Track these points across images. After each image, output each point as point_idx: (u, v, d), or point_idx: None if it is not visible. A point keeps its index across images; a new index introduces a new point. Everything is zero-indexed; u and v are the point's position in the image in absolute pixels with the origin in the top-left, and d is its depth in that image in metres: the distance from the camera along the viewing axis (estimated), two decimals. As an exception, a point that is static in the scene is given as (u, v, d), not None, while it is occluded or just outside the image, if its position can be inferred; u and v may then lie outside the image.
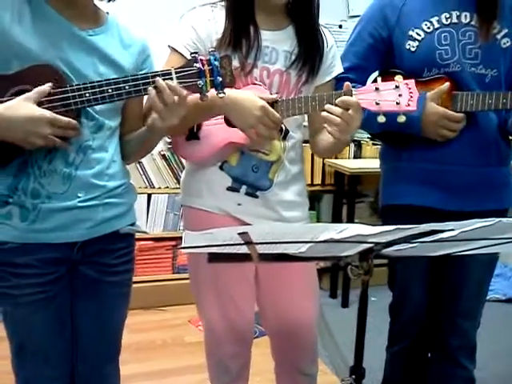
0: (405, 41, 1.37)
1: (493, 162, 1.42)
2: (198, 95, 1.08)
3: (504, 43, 1.36)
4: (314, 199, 3.09)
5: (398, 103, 1.11)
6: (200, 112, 1.22)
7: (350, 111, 1.12)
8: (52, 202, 1.09)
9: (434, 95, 1.34)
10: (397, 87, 1.11)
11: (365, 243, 0.79)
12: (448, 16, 1.35)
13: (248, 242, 0.71)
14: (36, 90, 1.02)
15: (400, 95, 1.11)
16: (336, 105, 1.14)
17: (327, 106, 1.14)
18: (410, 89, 1.11)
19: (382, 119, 1.13)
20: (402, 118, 1.13)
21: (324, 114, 1.15)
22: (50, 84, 1.03)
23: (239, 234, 0.68)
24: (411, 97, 1.11)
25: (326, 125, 1.16)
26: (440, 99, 1.34)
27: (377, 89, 1.12)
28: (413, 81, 1.12)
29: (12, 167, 1.08)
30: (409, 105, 1.11)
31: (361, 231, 0.72)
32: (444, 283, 1.51)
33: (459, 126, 1.35)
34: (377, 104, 1.12)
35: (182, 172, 2.73)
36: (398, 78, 1.12)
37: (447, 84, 1.33)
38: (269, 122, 1.19)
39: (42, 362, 1.16)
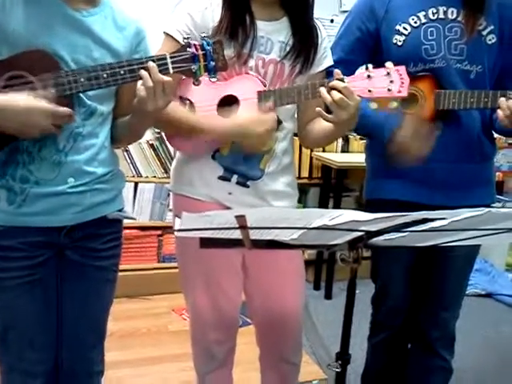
0: (392, 35, 1.37)
1: (476, 159, 1.43)
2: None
3: (489, 39, 1.37)
4: (301, 192, 3.08)
5: (389, 90, 1.12)
6: (202, 136, 1.26)
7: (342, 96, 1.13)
8: (40, 187, 1.08)
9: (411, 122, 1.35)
10: (388, 74, 1.12)
11: (355, 231, 0.81)
12: (435, 11, 1.36)
13: (242, 227, 0.71)
14: (40, 94, 1.01)
15: (391, 82, 1.12)
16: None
17: (321, 90, 1.16)
18: (400, 75, 1.12)
19: (374, 106, 1.15)
20: (393, 105, 1.14)
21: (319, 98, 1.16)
22: (53, 92, 1.01)
23: (236, 216, 0.68)
24: (402, 83, 1.12)
25: (321, 110, 1.17)
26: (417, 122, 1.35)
27: (368, 76, 1.13)
28: (403, 67, 1.13)
29: (1, 154, 1.06)
30: (400, 91, 1.12)
31: (355, 217, 0.73)
32: (426, 276, 1.53)
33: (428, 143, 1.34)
34: (369, 91, 1.13)
35: (169, 161, 2.76)
36: (389, 64, 1.13)
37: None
38: (274, 130, 1.23)
39: (27, 345, 1.15)
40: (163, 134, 2.41)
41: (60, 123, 1.04)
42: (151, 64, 1.04)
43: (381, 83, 1.12)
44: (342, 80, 1.14)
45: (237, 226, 0.71)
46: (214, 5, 1.25)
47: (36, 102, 0.99)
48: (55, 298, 1.18)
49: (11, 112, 0.98)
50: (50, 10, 1.05)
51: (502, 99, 1.28)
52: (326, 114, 1.17)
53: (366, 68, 1.15)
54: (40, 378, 1.18)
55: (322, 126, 1.30)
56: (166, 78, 1.04)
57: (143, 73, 1.04)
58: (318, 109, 1.17)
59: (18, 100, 0.99)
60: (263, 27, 1.26)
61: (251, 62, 1.26)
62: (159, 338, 2.39)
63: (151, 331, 2.45)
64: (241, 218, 0.69)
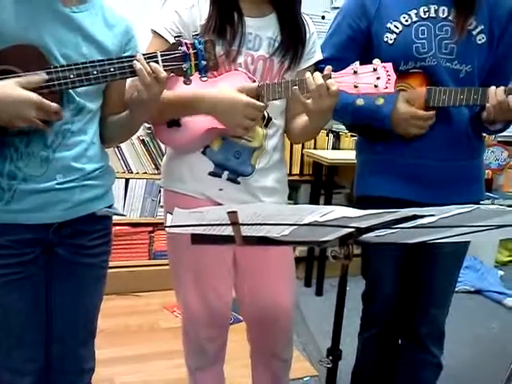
0: (383, 33, 1.38)
1: (464, 156, 1.44)
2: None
3: (479, 39, 1.37)
4: (292, 189, 3.07)
5: (376, 86, 1.12)
6: (185, 111, 1.25)
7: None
8: (28, 184, 1.07)
9: (407, 96, 1.36)
10: (375, 70, 1.12)
11: (346, 227, 0.81)
12: (426, 10, 1.36)
13: (234, 223, 0.71)
14: (28, 78, 1.00)
15: (378, 78, 1.12)
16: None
17: (306, 75, 1.16)
18: (387, 71, 1.12)
19: (360, 102, 1.15)
20: (380, 101, 1.14)
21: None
22: (45, 77, 1.01)
23: (228, 212, 0.68)
24: (389, 79, 1.12)
25: (297, 88, 1.17)
26: (413, 101, 1.37)
27: (355, 72, 1.13)
28: (390, 64, 1.13)
29: None
30: (386, 87, 1.12)
31: (346, 213, 0.73)
32: (415, 273, 1.54)
33: (428, 123, 1.37)
34: (355, 87, 1.13)
35: (160, 158, 2.75)
36: (376, 61, 1.13)
37: (423, 90, 1.35)
38: (254, 115, 1.22)
39: (16, 343, 1.15)
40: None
41: (47, 119, 1.03)
42: (139, 56, 1.04)
43: (367, 79, 1.12)
44: (329, 76, 1.14)
45: (228, 222, 0.71)
46: (202, 2, 1.25)
47: (25, 92, 0.99)
48: (44, 296, 1.17)
49: (1, 103, 0.97)
50: (40, 4, 1.05)
51: (491, 89, 1.29)
52: (303, 99, 1.16)
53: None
54: (29, 377, 1.17)
55: (300, 120, 1.31)
56: (154, 65, 1.04)
57: (137, 66, 1.04)
58: (294, 87, 1.17)
59: (8, 91, 0.97)
60: (251, 23, 1.27)
61: (240, 59, 1.26)
62: (151, 335, 2.39)
63: (142, 328, 2.44)
64: (233, 214, 0.69)
